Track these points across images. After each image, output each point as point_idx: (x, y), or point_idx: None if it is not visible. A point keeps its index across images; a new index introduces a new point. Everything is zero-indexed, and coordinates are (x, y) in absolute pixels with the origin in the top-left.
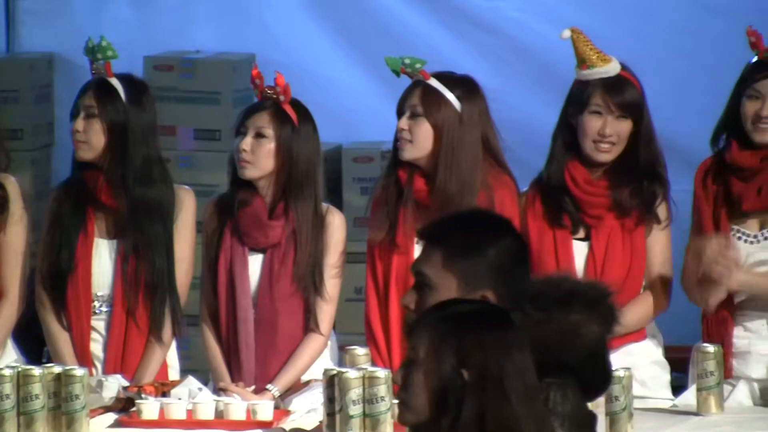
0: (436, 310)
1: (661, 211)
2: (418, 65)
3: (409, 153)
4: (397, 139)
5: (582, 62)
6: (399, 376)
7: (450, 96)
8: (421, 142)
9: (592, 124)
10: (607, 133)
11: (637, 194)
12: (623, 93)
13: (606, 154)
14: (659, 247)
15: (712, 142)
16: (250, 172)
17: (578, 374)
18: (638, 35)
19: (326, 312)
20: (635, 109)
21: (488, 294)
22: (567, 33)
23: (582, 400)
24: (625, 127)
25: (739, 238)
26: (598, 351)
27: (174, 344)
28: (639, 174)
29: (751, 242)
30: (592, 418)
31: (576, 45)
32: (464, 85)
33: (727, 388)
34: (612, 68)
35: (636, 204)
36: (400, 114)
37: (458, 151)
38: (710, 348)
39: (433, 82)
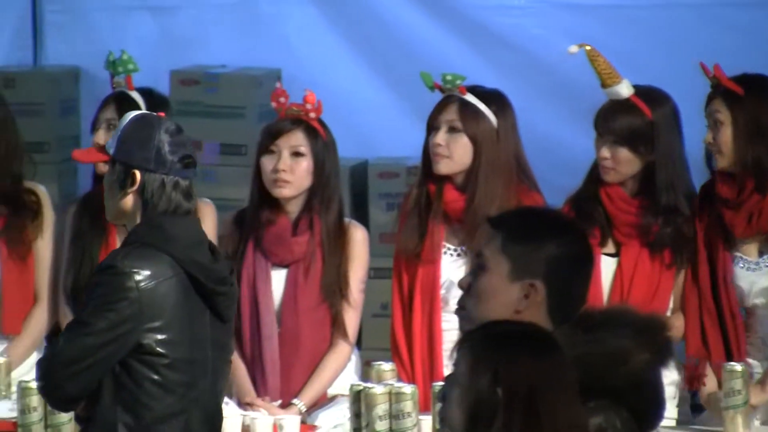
0: (481, 328)
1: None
2: (458, 81)
3: (447, 167)
4: (431, 153)
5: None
6: (440, 392)
7: (487, 111)
8: (460, 156)
9: (597, 145)
10: (602, 155)
11: (667, 232)
12: (615, 120)
13: (607, 175)
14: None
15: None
16: (288, 191)
17: (625, 401)
18: (664, 54)
19: (352, 319)
20: (633, 137)
21: (536, 283)
22: (574, 48)
23: (635, 428)
24: (622, 154)
25: (741, 266)
26: (648, 380)
27: None
28: (661, 210)
29: (753, 269)
30: None
31: (591, 62)
32: (498, 101)
33: None
34: (618, 91)
35: (668, 241)
36: (433, 129)
37: (495, 167)
38: (737, 366)
39: (470, 98)
